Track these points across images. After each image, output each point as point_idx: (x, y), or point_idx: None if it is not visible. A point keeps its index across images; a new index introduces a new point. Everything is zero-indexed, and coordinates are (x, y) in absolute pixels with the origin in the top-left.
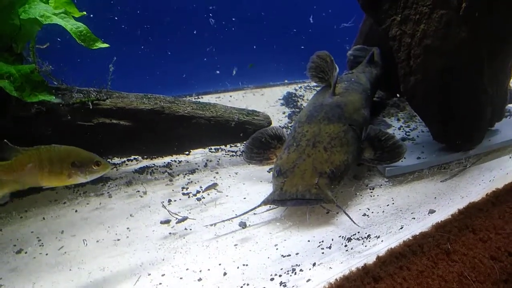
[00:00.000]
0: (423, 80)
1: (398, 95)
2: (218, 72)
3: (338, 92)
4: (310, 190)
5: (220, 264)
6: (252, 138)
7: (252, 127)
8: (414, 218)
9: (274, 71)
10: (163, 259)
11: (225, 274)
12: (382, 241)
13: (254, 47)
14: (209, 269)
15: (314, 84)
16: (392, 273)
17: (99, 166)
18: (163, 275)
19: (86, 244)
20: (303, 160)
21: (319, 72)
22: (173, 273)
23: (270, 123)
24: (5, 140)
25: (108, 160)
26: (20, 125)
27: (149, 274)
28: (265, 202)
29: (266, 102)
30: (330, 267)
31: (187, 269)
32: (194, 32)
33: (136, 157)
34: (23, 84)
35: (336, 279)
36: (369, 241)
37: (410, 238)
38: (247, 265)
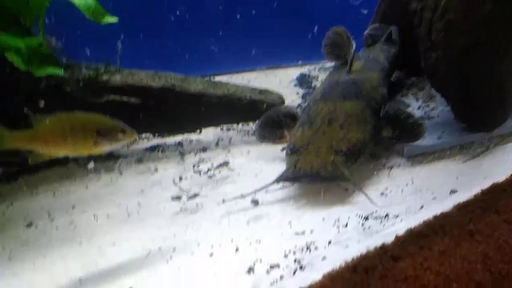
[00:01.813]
0: (445, 56)
1: (416, 75)
2: (229, 53)
3: (355, 69)
4: (325, 167)
5: (232, 240)
6: (264, 117)
7: (265, 106)
8: (434, 198)
9: (287, 53)
10: (174, 235)
11: (237, 250)
12: (401, 220)
13: (267, 27)
14: (220, 245)
15: (329, 65)
16: (413, 252)
17: (124, 134)
18: (174, 249)
19: (97, 219)
20: (318, 138)
21: (335, 49)
22: (184, 248)
23: (283, 102)
24: (26, 109)
25: None
26: (29, 102)
27: (160, 249)
28: (278, 180)
29: (279, 83)
30: (346, 246)
31: (198, 244)
32: (207, 12)
33: (147, 135)
34: (31, 57)
35: (353, 258)
36: (387, 220)
37: (431, 218)
38: (259, 241)
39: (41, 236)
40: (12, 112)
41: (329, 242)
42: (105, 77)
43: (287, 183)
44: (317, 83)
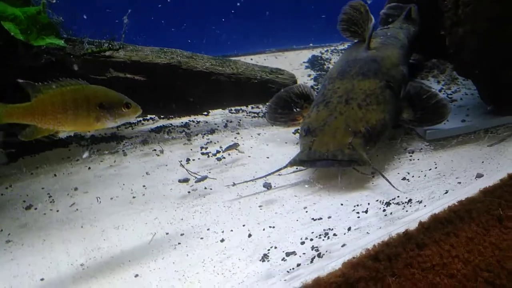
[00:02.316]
0: (473, 31)
1: (436, 57)
2: (237, 34)
3: (373, 46)
4: (342, 150)
5: (244, 225)
6: (276, 97)
7: (276, 86)
8: (459, 183)
9: (298, 34)
10: (182, 219)
11: (250, 235)
12: (424, 206)
13: (277, 8)
14: (232, 230)
15: (342, 47)
16: (438, 239)
17: (129, 109)
18: (182, 234)
19: (100, 201)
20: (334, 118)
21: (352, 25)
22: (193, 233)
23: (295, 82)
24: (20, 80)
25: None
26: (28, 77)
27: (167, 233)
28: (291, 163)
29: (290, 65)
30: (367, 232)
31: (208, 229)
32: None
33: (152, 116)
34: (29, 26)
35: (374, 245)
36: (410, 206)
37: (456, 203)
38: (273, 227)
39: (41, 219)
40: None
41: (349, 229)
42: (108, 53)
43: (301, 167)
44: (330, 65)
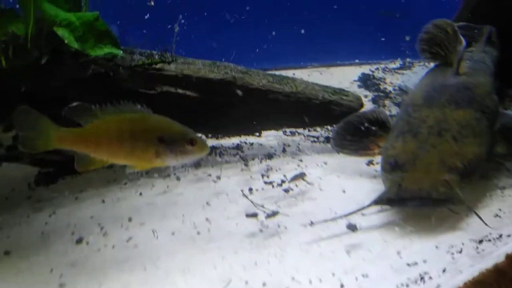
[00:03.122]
0: None
1: None
2: (278, 47)
3: (462, 72)
4: (437, 188)
5: (333, 274)
6: (344, 122)
7: (340, 108)
8: None
9: (342, 50)
10: (256, 263)
11: (342, 286)
12: None
13: (320, 20)
14: (321, 280)
15: (393, 66)
16: None
17: (194, 146)
18: (263, 283)
19: (157, 236)
20: (426, 151)
21: (434, 45)
22: (274, 283)
23: (362, 105)
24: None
25: None
26: (72, 89)
27: (247, 283)
28: (377, 202)
29: (339, 83)
30: (460, 271)
31: (292, 279)
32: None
33: (200, 135)
34: (85, 33)
35: (465, 283)
36: (500, 241)
37: None
38: (366, 275)
39: (94, 256)
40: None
41: (444, 270)
42: (159, 65)
43: (386, 206)
44: (387, 87)
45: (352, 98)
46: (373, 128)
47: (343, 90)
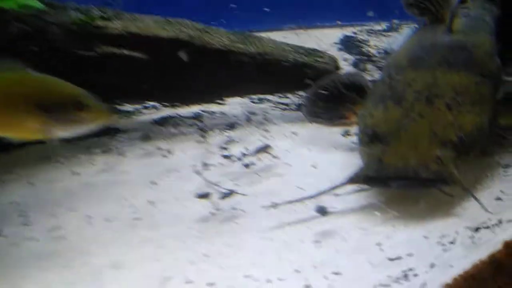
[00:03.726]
0: None
1: None
2: (250, 8)
3: (456, 29)
4: (427, 166)
5: (297, 271)
6: (317, 87)
7: (313, 72)
8: None
9: (322, 10)
10: (206, 255)
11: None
12: None
13: None
14: (281, 279)
15: (379, 28)
16: None
17: (85, 112)
18: (210, 284)
19: (92, 223)
20: (413, 121)
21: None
22: (226, 280)
23: (337, 67)
24: None
25: (117, 106)
26: None
27: (189, 282)
28: (353, 180)
29: (317, 45)
30: (451, 265)
31: (245, 276)
32: None
33: (154, 104)
34: None
35: (455, 278)
36: (500, 227)
37: None
38: (339, 273)
39: (10, 250)
40: None
41: (432, 265)
42: (100, 23)
43: (365, 186)
44: (371, 50)
45: (327, 60)
46: (350, 93)
47: (317, 50)
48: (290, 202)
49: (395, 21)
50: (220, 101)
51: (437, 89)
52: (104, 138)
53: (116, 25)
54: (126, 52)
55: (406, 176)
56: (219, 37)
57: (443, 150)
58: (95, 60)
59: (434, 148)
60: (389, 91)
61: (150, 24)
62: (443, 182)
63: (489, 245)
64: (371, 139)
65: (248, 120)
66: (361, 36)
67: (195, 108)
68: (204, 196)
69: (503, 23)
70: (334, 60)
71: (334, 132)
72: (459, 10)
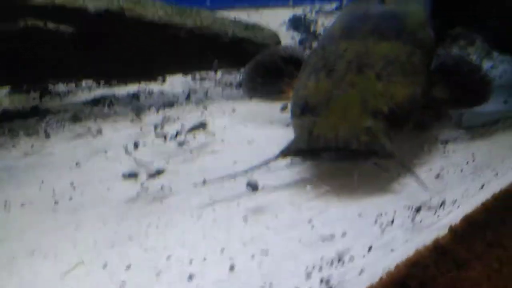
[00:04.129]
0: None
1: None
2: None
3: (388, 0)
4: (358, 137)
5: (223, 250)
6: (255, 61)
7: (254, 47)
8: (496, 175)
9: None
10: (130, 238)
11: (232, 268)
12: (458, 207)
13: None
14: (205, 259)
15: (329, 8)
16: (480, 253)
17: None
18: (128, 266)
19: (9, 208)
20: (343, 91)
21: None
22: (146, 262)
23: (278, 42)
24: None
25: (47, 87)
26: None
27: (105, 265)
28: (284, 153)
29: (267, 24)
30: (391, 249)
31: (168, 257)
32: None
33: (88, 84)
34: None
35: (396, 265)
36: (443, 209)
37: (490, 198)
38: (266, 252)
39: None
40: None
41: (369, 248)
42: None
43: (298, 159)
44: (317, 28)
45: (267, 35)
46: (287, 67)
47: (257, 25)
48: (221, 178)
49: (345, 1)
50: (160, 80)
51: (368, 59)
52: (32, 120)
53: None
54: (51, 25)
55: (337, 148)
56: (154, 9)
57: (374, 121)
58: (18, 35)
59: (364, 119)
60: (321, 62)
61: None
62: (375, 155)
63: (432, 229)
64: (302, 111)
65: (188, 98)
66: (310, 16)
67: (133, 88)
68: (131, 176)
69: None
70: (274, 35)
71: (273, 107)
72: None
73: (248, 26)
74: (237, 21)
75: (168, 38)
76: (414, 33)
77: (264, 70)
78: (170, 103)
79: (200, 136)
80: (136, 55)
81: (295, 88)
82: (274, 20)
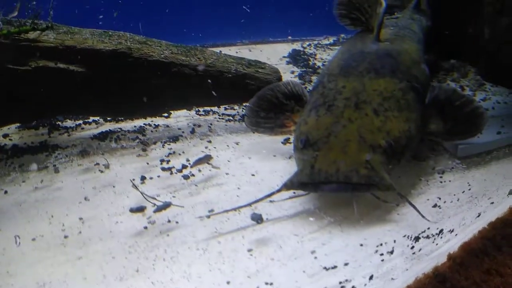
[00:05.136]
0: None
1: (455, 58)
2: (204, 23)
3: (384, 38)
4: (358, 170)
5: (228, 283)
6: (258, 97)
7: (256, 83)
8: (492, 203)
9: (274, 26)
10: (137, 270)
11: None
12: (456, 235)
13: None
14: None
15: (327, 42)
16: (479, 280)
17: None
18: None
19: (19, 243)
20: (342, 127)
21: (353, 10)
22: None
23: (279, 78)
24: None
25: (57, 123)
26: None
27: None
28: (287, 186)
29: (268, 59)
30: (392, 278)
31: None
32: None
33: (96, 118)
34: None
35: None
36: (441, 237)
37: (486, 226)
38: (271, 284)
39: None
40: None
41: (371, 277)
42: (32, 36)
43: (300, 191)
44: (317, 62)
45: (269, 71)
46: (289, 102)
47: (259, 62)
48: (226, 211)
49: (343, 35)
50: (166, 115)
51: (365, 96)
52: (41, 155)
53: (51, 38)
54: (62, 65)
55: (337, 181)
56: (160, 49)
57: (372, 155)
58: (30, 74)
59: (363, 153)
60: (321, 99)
61: (88, 37)
62: (375, 187)
63: (432, 257)
64: (304, 145)
65: (193, 132)
66: (308, 50)
67: (139, 122)
68: (138, 210)
69: (436, 36)
70: (275, 71)
71: (276, 141)
72: (389, 21)
73: (250, 63)
74: (239, 58)
75: (173, 75)
76: (409, 70)
77: (267, 105)
78: (175, 137)
79: (205, 169)
80: (142, 91)
81: (298, 123)
82: (274, 55)
